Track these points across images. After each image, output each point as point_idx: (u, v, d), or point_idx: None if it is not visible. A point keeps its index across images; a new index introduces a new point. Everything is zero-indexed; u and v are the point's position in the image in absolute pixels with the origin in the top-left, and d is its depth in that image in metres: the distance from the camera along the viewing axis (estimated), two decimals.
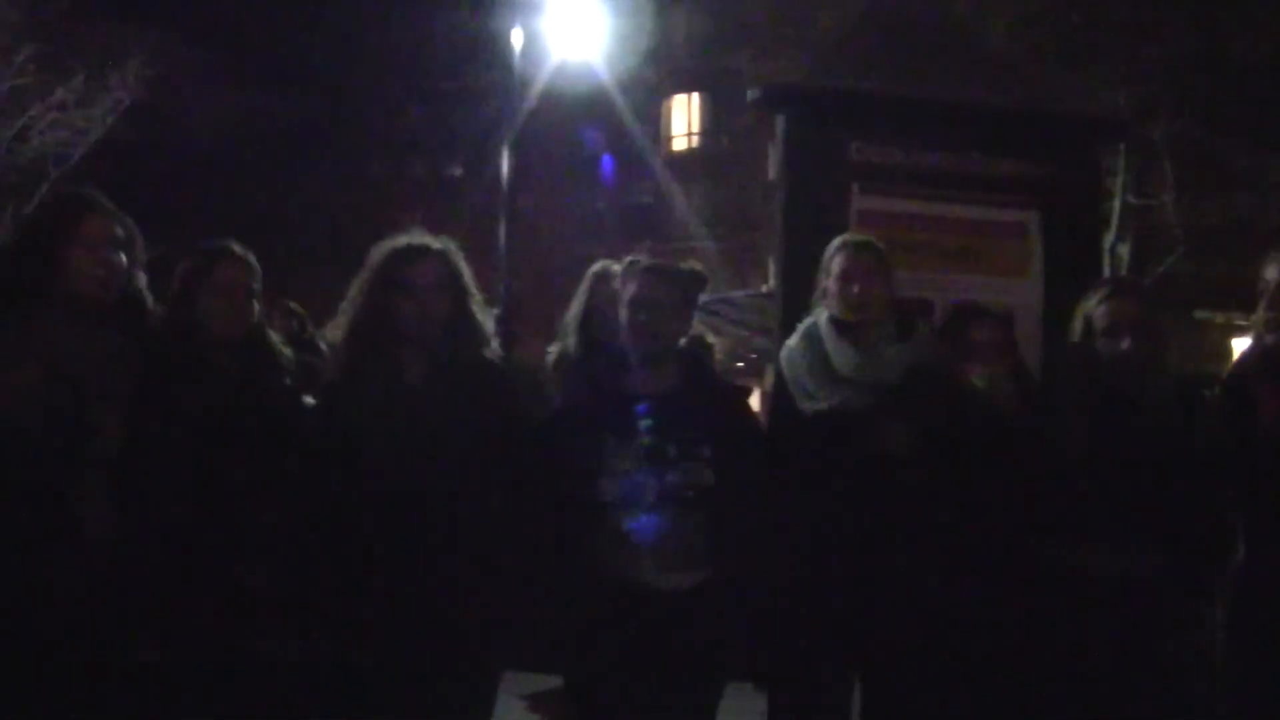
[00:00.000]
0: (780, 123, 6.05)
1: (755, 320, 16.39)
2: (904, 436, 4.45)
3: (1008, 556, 4.40)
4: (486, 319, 4.53)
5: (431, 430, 4.16)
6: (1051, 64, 17.59)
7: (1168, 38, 18.19)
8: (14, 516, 3.73)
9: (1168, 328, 4.75)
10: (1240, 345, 5.21)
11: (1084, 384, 4.53)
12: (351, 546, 4.12)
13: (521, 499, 4.27)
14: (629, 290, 4.49)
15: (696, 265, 4.79)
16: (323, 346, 7.86)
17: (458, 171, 54.89)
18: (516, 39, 17.54)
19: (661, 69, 46.02)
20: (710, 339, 5.76)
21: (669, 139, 49.10)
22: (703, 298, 4.81)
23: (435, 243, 4.43)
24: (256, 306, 4.45)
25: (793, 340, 4.82)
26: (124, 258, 4.08)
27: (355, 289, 4.41)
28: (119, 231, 4.08)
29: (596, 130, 49.16)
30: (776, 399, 4.85)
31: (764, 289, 18.66)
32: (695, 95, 48.33)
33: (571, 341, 5.86)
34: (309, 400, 4.57)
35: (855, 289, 4.67)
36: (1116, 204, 18.54)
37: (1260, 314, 4.68)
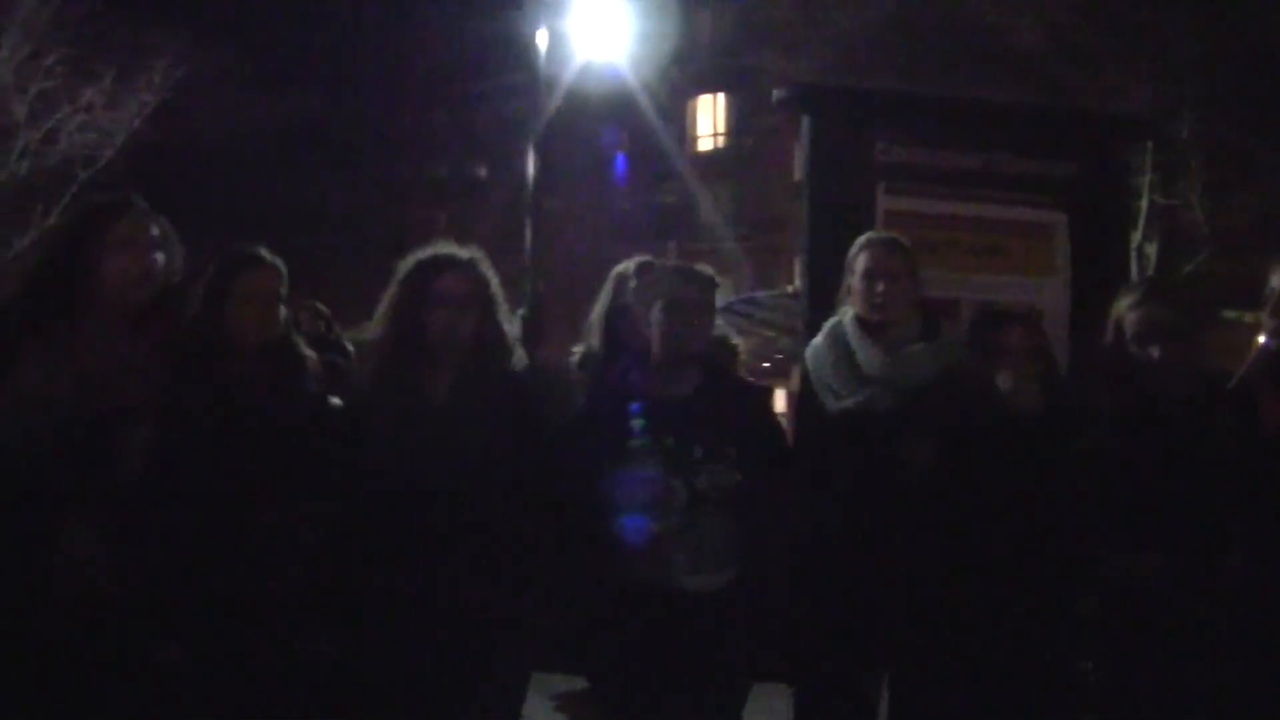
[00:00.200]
0: (805, 123, 6.03)
1: (781, 320, 16.38)
2: (924, 448, 4.43)
3: (1033, 557, 4.38)
4: (512, 329, 4.52)
5: (456, 443, 4.16)
6: (1077, 63, 17.55)
7: (1194, 35, 18.09)
8: (39, 528, 3.74)
9: (1203, 331, 4.71)
10: None
11: (1115, 388, 4.51)
12: (378, 550, 4.12)
13: (547, 503, 4.27)
14: (662, 293, 4.48)
15: (707, 269, 4.78)
16: (348, 347, 7.88)
17: (483, 172, 55.07)
18: (541, 40, 17.53)
19: (686, 69, 46.05)
20: (734, 340, 5.75)
21: (694, 139, 49.09)
22: (728, 298, 4.81)
23: (463, 253, 4.42)
24: (283, 312, 4.46)
25: (818, 339, 4.81)
26: (161, 258, 4.08)
27: (384, 302, 4.40)
28: (155, 231, 4.08)
29: (613, 130, 49.22)
30: (803, 398, 4.85)
31: (789, 289, 18.65)
32: (720, 95, 48.32)
33: (595, 342, 5.85)
34: (335, 402, 4.58)
35: (880, 288, 4.65)
36: (1144, 203, 18.44)
37: (1265, 320, 4.66)
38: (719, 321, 5.02)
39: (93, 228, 4.01)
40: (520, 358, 4.52)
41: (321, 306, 9.08)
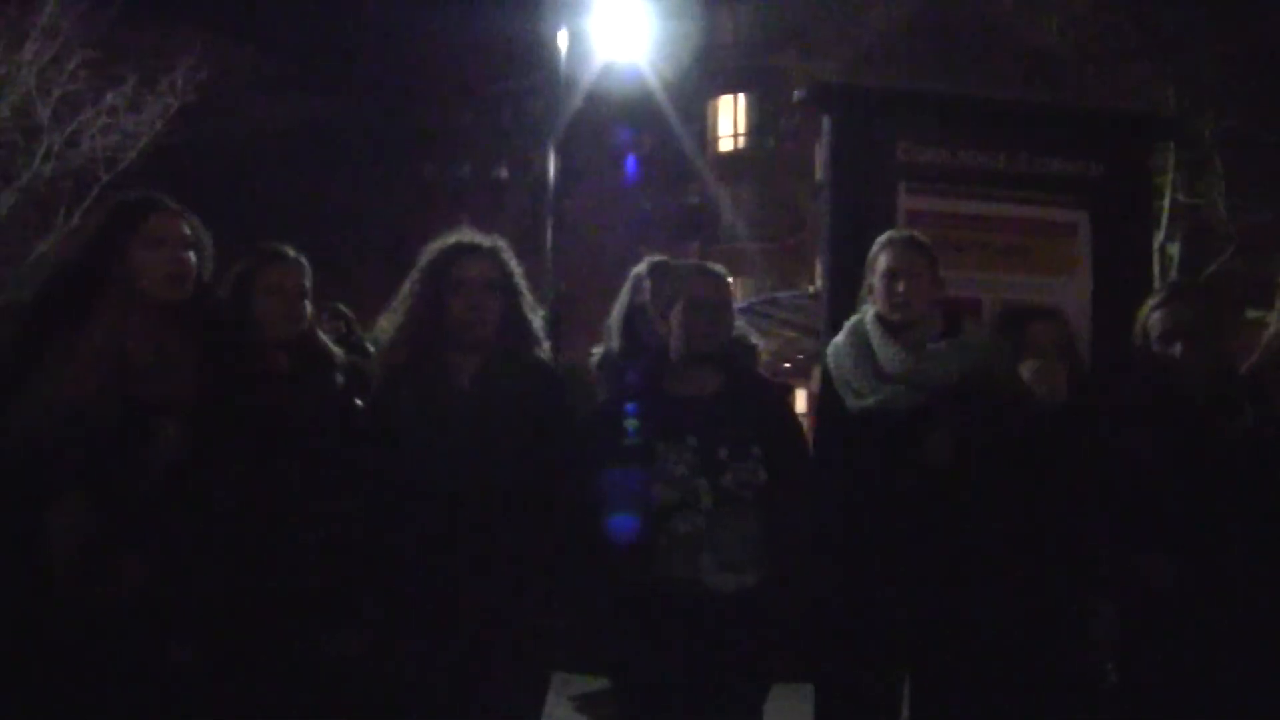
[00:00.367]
0: (826, 122, 6.03)
1: (801, 321, 16.37)
2: (946, 449, 4.42)
3: (1055, 557, 4.37)
4: (537, 319, 4.52)
5: (479, 431, 4.16)
6: (1099, 62, 17.50)
7: (1217, 34, 18.02)
8: (70, 522, 3.75)
9: (1227, 331, 4.70)
10: None
11: (1140, 387, 4.49)
12: (401, 546, 4.13)
13: (571, 500, 4.26)
14: (682, 292, 4.49)
15: (719, 266, 4.78)
16: (370, 348, 7.91)
17: (504, 173, 55.17)
18: (562, 40, 17.53)
19: (707, 69, 46.05)
20: (753, 340, 5.75)
21: (715, 140, 49.08)
22: (749, 299, 4.82)
23: (485, 241, 4.42)
24: (309, 308, 4.47)
25: (839, 338, 4.81)
26: (193, 257, 4.09)
27: (405, 288, 4.41)
28: (186, 230, 4.10)
29: (628, 130, 49.23)
30: (823, 396, 4.84)
31: (810, 290, 18.62)
32: (741, 96, 48.29)
33: (614, 343, 5.86)
34: (357, 402, 4.59)
35: (900, 287, 4.65)
36: (1166, 202, 18.37)
37: (1276, 315, 4.66)
38: (739, 322, 5.02)
39: (122, 224, 4.02)
40: (546, 351, 4.52)
41: (343, 307, 9.09)
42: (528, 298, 4.48)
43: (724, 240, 45.57)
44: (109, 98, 20.46)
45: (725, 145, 49.36)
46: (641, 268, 5.96)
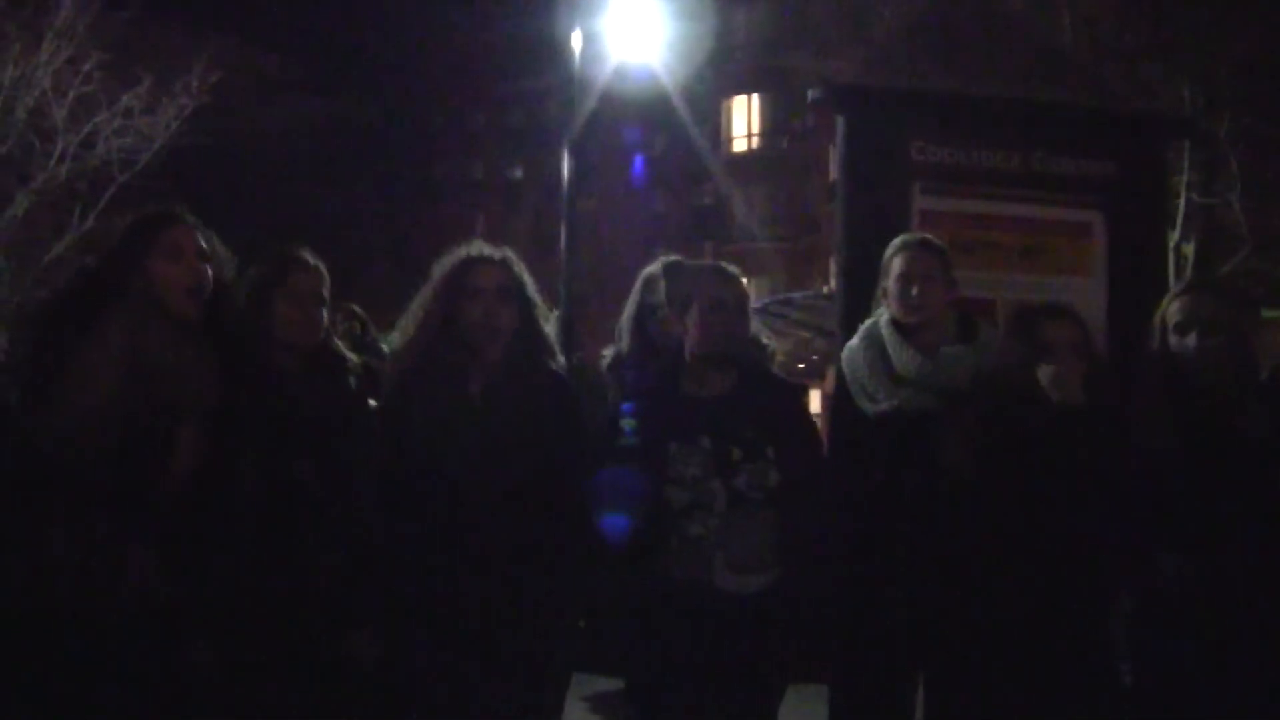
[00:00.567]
0: (841, 123, 6.02)
1: (816, 322, 16.36)
2: (961, 452, 4.41)
3: (1072, 558, 4.36)
4: (550, 329, 4.52)
5: (490, 439, 4.15)
6: (1115, 61, 17.46)
7: (1232, 33, 17.96)
8: (92, 531, 3.76)
9: (1245, 326, 4.68)
10: None
11: (1163, 386, 4.48)
12: (414, 551, 4.13)
13: (581, 506, 4.26)
14: (698, 293, 4.48)
15: (733, 266, 4.77)
16: (384, 349, 7.91)
17: (518, 173, 55.25)
18: (576, 41, 17.52)
19: (721, 70, 46.08)
20: (764, 340, 5.74)
21: (729, 140, 49.07)
22: (763, 299, 4.80)
23: (497, 252, 4.43)
24: (325, 314, 4.48)
25: (854, 341, 4.81)
26: (210, 271, 4.10)
27: (418, 300, 4.42)
28: (203, 243, 4.11)
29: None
30: (837, 400, 4.84)
31: (824, 290, 18.60)
32: (755, 96, 48.28)
33: (625, 344, 5.86)
34: (372, 404, 4.59)
35: (914, 290, 4.65)
36: (1181, 202, 18.32)
37: None
38: (753, 322, 5.01)
39: (142, 237, 4.04)
40: (560, 362, 4.52)
41: (357, 309, 9.09)
42: (541, 308, 4.48)
43: (738, 240, 45.56)
44: (124, 99, 20.50)
45: (739, 146, 49.35)
46: (653, 268, 5.96)
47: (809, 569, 4.29)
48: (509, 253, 4.45)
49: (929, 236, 4.91)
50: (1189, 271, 18.25)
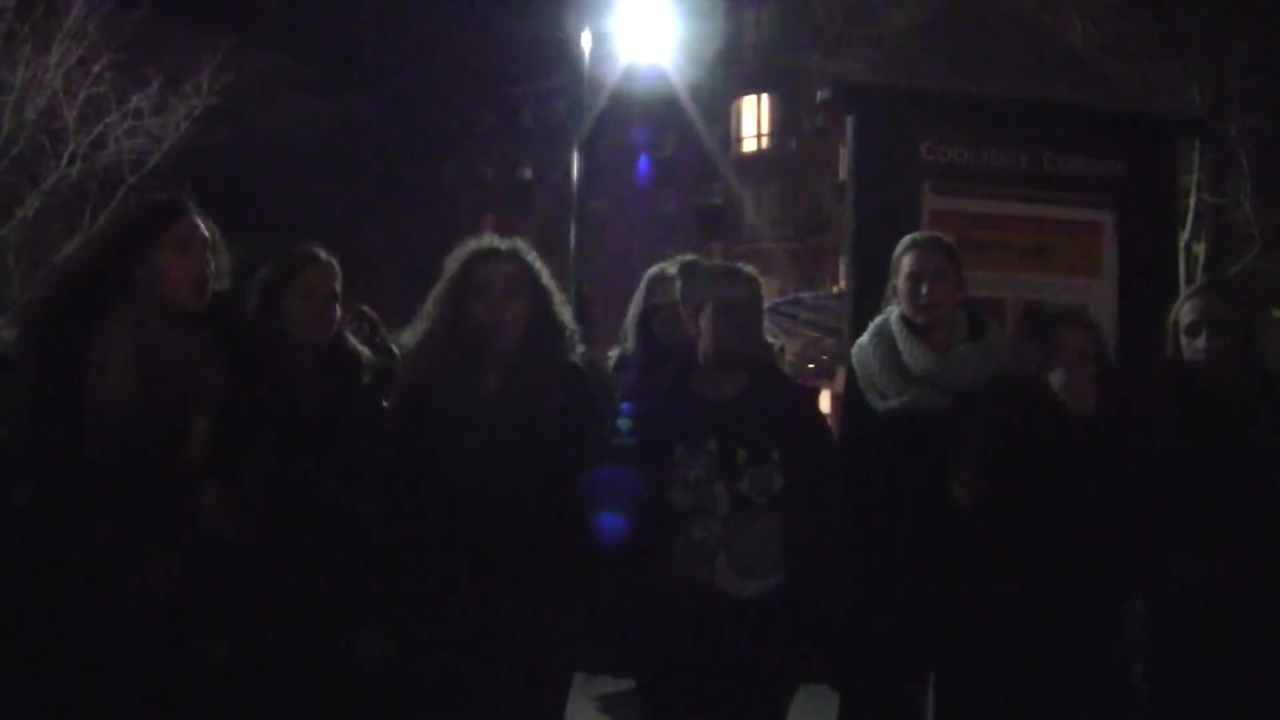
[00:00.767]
0: (850, 123, 6.02)
1: (826, 321, 16.35)
2: (972, 482, 4.40)
3: (1082, 560, 4.36)
4: (569, 317, 4.45)
5: (502, 437, 4.13)
6: (1125, 60, 17.43)
7: (1242, 33, 17.94)
8: (114, 527, 3.77)
9: (1257, 328, 4.67)
10: None
11: (1172, 389, 4.47)
12: (425, 549, 4.12)
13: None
14: (712, 294, 4.46)
15: (750, 267, 4.76)
16: (395, 350, 7.91)
17: (528, 173, 55.31)
18: (586, 42, 17.54)
19: (730, 70, 46.12)
20: (770, 339, 5.73)
21: (739, 140, 49.08)
22: (773, 299, 4.78)
23: (505, 244, 4.39)
24: (338, 311, 4.48)
25: (864, 338, 4.80)
26: (213, 262, 4.10)
27: (431, 298, 4.39)
28: (207, 234, 4.11)
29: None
30: (848, 397, 4.83)
31: (834, 290, 18.61)
32: (764, 96, 48.28)
33: (630, 344, 5.86)
34: (384, 403, 4.60)
35: (924, 289, 4.64)
36: (1191, 202, 18.28)
37: None
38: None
39: (148, 226, 4.02)
40: (581, 352, 4.48)
41: (367, 310, 9.10)
42: (557, 295, 4.42)
43: (747, 240, 45.58)
44: (134, 100, 20.54)
45: (749, 145, 49.39)
46: (657, 269, 5.96)
47: (813, 573, 4.28)
48: (519, 243, 4.39)
49: (938, 234, 4.90)
50: (1199, 271, 18.23)
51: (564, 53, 24.64)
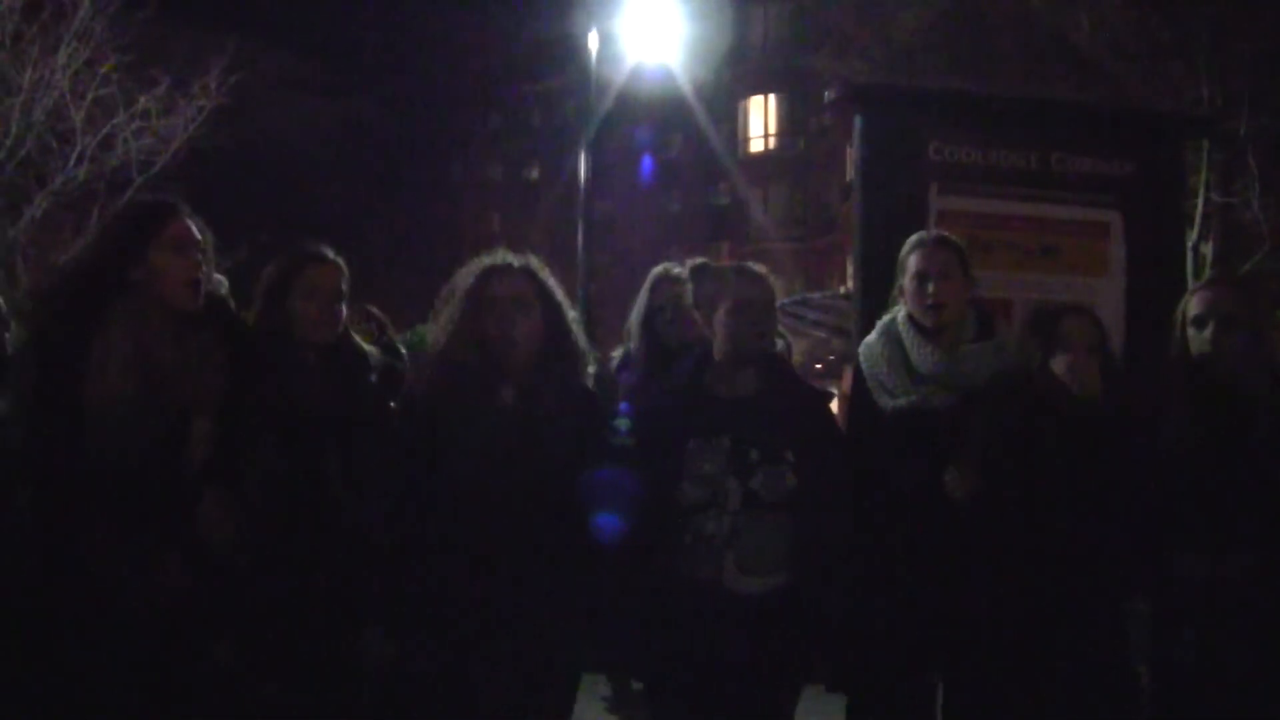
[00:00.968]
0: (858, 122, 6.02)
1: (833, 321, 16.34)
2: (967, 478, 4.39)
3: (1089, 558, 4.35)
4: (581, 335, 4.45)
5: (517, 452, 4.13)
6: (1133, 60, 17.42)
7: (1251, 32, 17.91)
8: (116, 529, 3.77)
9: (1266, 323, 4.65)
10: None
11: (1184, 384, 4.46)
12: (435, 555, 4.12)
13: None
14: (726, 294, 4.47)
15: (761, 267, 4.76)
16: (402, 350, 7.90)
17: (534, 174, 55.37)
18: (593, 42, 17.52)
19: (738, 70, 46.13)
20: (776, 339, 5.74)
21: (746, 140, 49.09)
22: (781, 299, 4.78)
23: (517, 260, 4.38)
24: (343, 311, 4.48)
25: (872, 337, 4.80)
26: (205, 263, 4.10)
27: (446, 312, 4.38)
28: (199, 235, 4.11)
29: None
30: (855, 396, 4.83)
31: (842, 290, 18.59)
32: (772, 96, 48.28)
33: (634, 345, 5.87)
34: (392, 404, 4.60)
35: (930, 288, 4.64)
36: (1200, 201, 18.25)
37: None
38: None
39: (144, 228, 4.03)
40: (589, 372, 4.48)
41: (374, 309, 9.11)
42: (569, 313, 4.42)
43: (754, 240, 45.59)
44: (142, 101, 20.55)
45: (756, 146, 49.40)
46: (661, 269, 5.98)
47: (823, 574, 4.29)
48: (531, 260, 4.40)
49: (945, 234, 4.90)
50: (1207, 271, 18.19)
51: (571, 53, 24.65)
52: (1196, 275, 15.68)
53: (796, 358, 6.08)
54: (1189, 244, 16.98)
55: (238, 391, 4.06)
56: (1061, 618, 4.33)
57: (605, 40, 17.72)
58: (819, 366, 22.15)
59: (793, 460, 4.30)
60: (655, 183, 53.11)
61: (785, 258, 42.11)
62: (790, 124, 48.28)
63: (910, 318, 4.70)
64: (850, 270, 6.87)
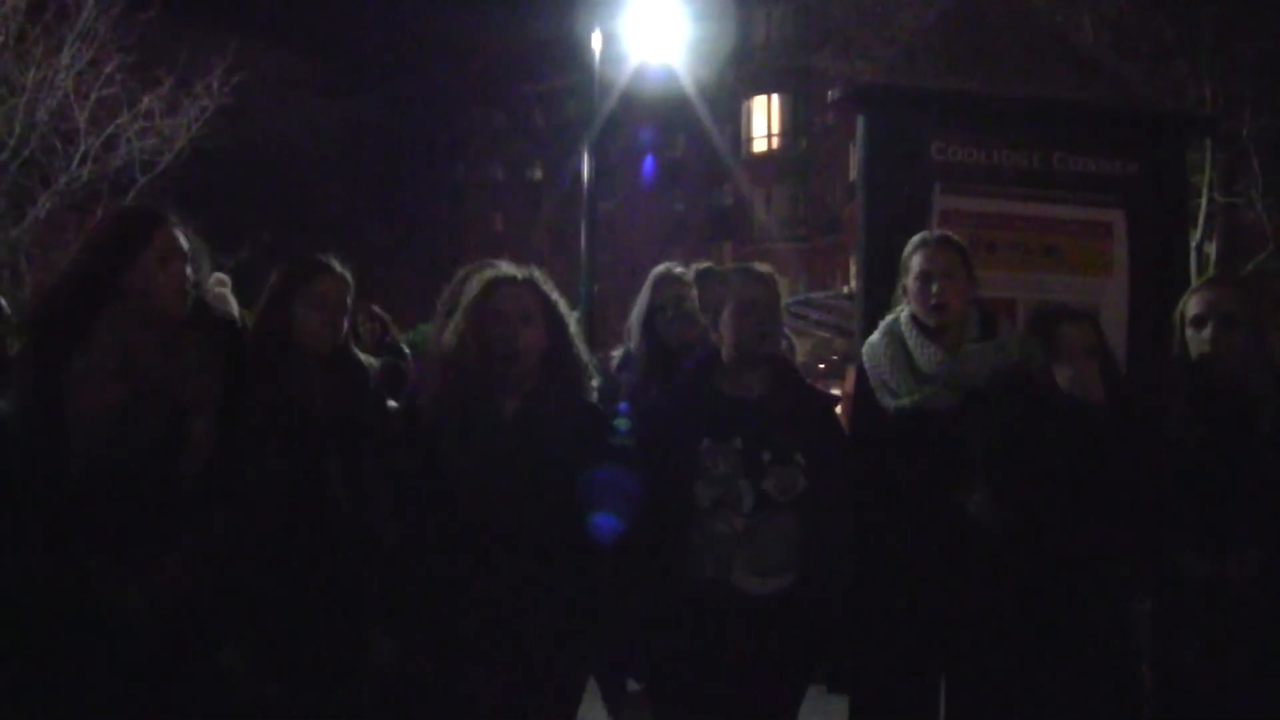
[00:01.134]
0: (861, 122, 6.02)
1: (836, 322, 16.36)
2: (991, 504, 4.39)
3: (1092, 558, 4.35)
4: (583, 349, 4.45)
5: (519, 459, 4.13)
6: (1136, 60, 17.40)
7: (1254, 33, 17.90)
8: (113, 534, 3.77)
9: (1266, 323, 4.65)
10: None
11: (1184, 387, 4.46)
12: (435, 553, 4.12)
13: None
14: (731, 295, 4.47)
15: (767, 266, 4.77)
16: (405, 349, 7.91)
17: (538, 174, 55.40)
18: (596, 42, 17.52)
19: (741, 70, 46.14)
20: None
21: (749, 140, 49.11)
22: (784, 300, 4.78)
23: (521, 272, 4.39)
24: (346, 324, 4.47)
25: (875, 337, 4.81)
26: (191, 271, 4.09)
27: (451, 325, 4.38)
28: (185, 245, 4.10)
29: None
30: (859, 396, 4.84)
31: (845, 290, 18.61)
32: (775, 96, 48.31)
33: (634, 344, 5.87)
34: (392, 404, 4.59)
35: (934, 288, 4.64)
36: (1203, 201, 18.24)
37: None
38: None
39: (133, 237, 4.01)
40: (591, 386, 4.47)
41: (378, 310, 9.14)
42: (572, 327, 4.43)
43: (758, 240, 45.62)
44: (145, 101, 20.58)
45: (759, 146, 49.43)
46: (662, 268, 5.97)
47: (832, 575, 4.30)
48: (535, 272, 4.40)
49: (948, 234, 4.90)
50: (1211, 271, 18.18)
51: (574, 53, 24.66)
52: (1200, 275, 15.69)
53: (800, 358, 6.08)
54: (1193, 244, 16.98)
55: (235, 392, 4.06)
56: (1064, 617, 4.33)
57: (608, 40, 17.73)
58: (822, 366, 22.19)
59: (803, 462, 4.31)
60: (658, 183, 53.13)
61: (788, 258, 42.14)
62: (793, 124, 48.30)
63: (913, 318, 4.70)
64: (853, 270, 6.87)
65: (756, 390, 4.47)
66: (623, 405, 4.38)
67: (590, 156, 17.24)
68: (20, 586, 3.73)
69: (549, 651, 4.11)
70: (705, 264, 6.10)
